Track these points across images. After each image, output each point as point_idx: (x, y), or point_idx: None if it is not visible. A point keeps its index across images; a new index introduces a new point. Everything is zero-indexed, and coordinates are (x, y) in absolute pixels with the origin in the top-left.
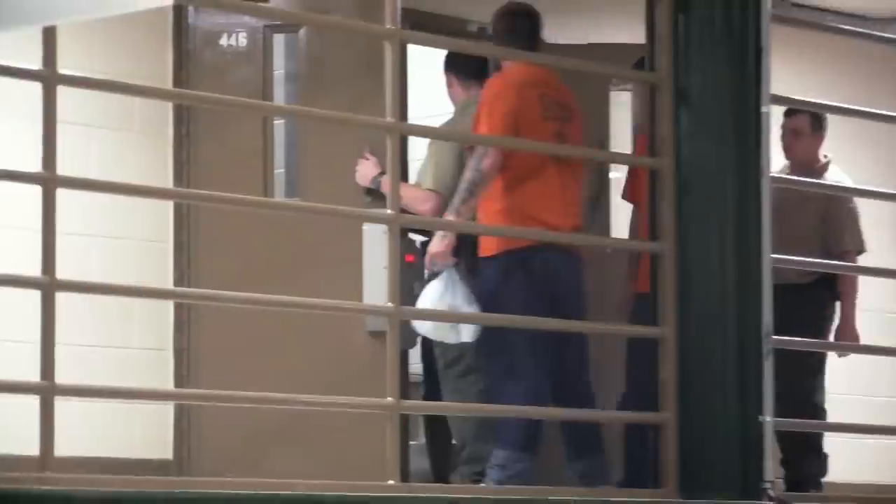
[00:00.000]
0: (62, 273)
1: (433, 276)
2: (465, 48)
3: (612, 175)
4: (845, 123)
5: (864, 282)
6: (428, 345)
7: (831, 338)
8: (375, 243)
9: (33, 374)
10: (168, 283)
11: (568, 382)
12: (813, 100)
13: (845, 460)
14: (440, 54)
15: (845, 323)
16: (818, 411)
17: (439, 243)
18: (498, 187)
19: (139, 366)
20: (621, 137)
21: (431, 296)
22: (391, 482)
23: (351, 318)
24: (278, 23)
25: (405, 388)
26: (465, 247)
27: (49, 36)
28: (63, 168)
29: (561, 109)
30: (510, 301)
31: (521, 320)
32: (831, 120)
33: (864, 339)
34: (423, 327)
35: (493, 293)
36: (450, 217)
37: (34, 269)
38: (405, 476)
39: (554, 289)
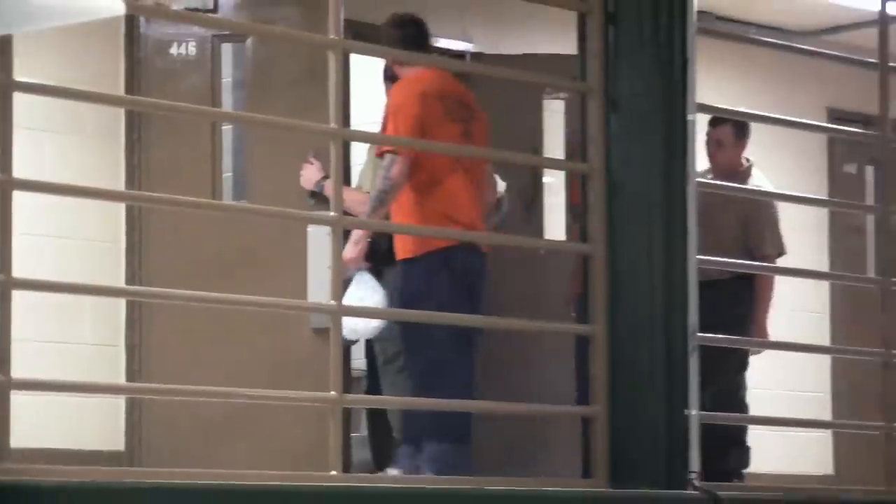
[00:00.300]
0: (18, 272)
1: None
2: (404, 58)
3: (545, 180)
4: (768, 130)
5: (788, 282)
6: (370, 341)
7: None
8: (319, 244)
9: None
10: (120, 281)
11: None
12: (736, 108)
13: (774, 452)
14: (381, 63)
15: (756, 323)
16: (741, 406)
17: (352, 249)
18: (410, 192)
19: (92, 361)
20: (555, 143)
21: (354, 297)
22: (334, 473)
23: (296, 316)
24: (226, 33)
25: (348, 383)
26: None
27: (5, 43)
28: (19, 171)
29: (464, 110)
30: (437, 300)
31: (455, 318)
32: (754, 127)
33: (789, 338)
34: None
35: (420, 293)
36: None
37: None
38: (347, 467)
39: (472, 285)
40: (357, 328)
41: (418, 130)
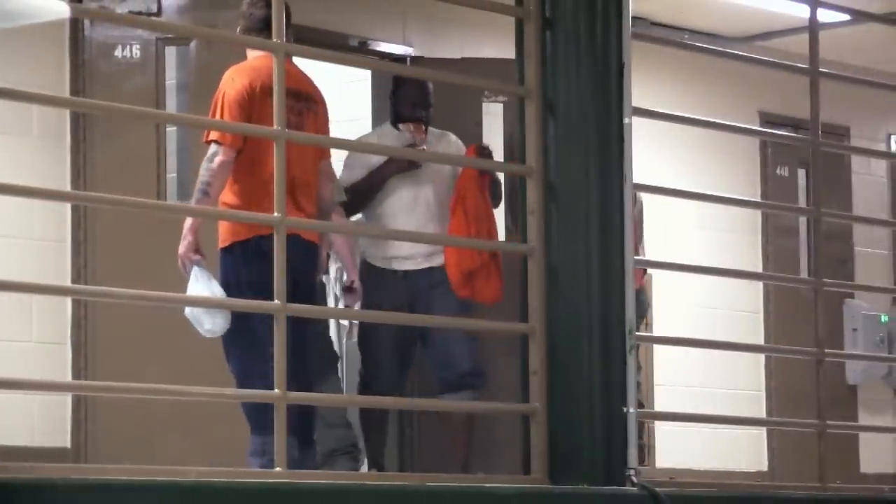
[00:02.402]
0: None
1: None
2: (346, 61)
3: None
4: (702, 134)
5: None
6: None
7: None
8: None
9: None
10: (66, 280)
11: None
12: (671, 112)
13: (709, 450)
14: (325, 66)
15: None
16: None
17: (182, 245)
18: (231, 180)
19: (38, 359)
20: (494, 144)
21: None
22: (279, 469)
23: None
24: (170, 36)
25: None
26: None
27: None
28: None
29: (298, 101)
30: (254, 288)
31: (408, 318)
32: (690, 130)
33: (724, 337)
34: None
35: (236, 282)
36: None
37: None
38: None
39: (293, 273)
40: (204, 324)
41: (237, 110)
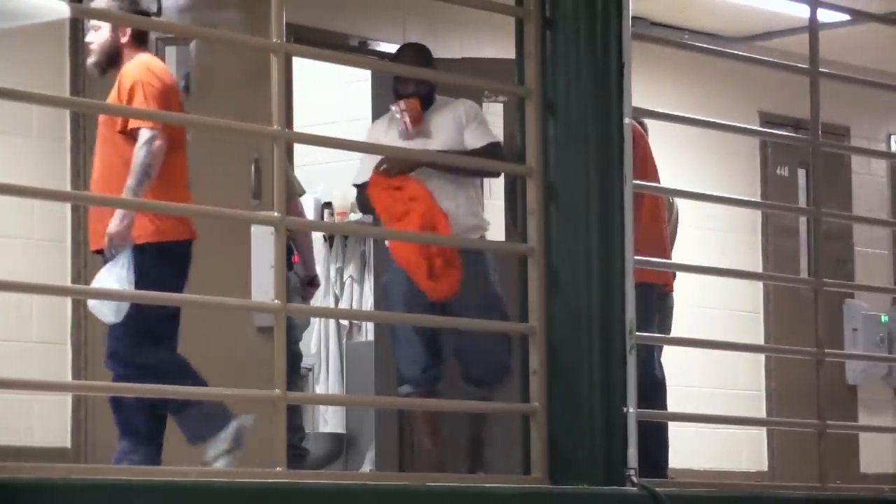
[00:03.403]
0: None
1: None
2: (346, 61)
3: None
4: (702, 133)
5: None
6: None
7: None
8: (263, 244)
9: None
10: (66, 280)
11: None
12: (671, 112)
13: (709, 450)
14: (325, 66)
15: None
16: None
17: (118, 224)
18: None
19: (38, 359)
20: None
21: (106, 277)
22: (279, 469)
23: (241, 314)
24: (170, 35)
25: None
26: None
27: None
28: None
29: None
30: (166, 289)
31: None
32: (688, 130)
33: (724, 337)
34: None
35: (157, 280)
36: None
37: None
38: None
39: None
40: (103, 310)
41: (164, 103)
